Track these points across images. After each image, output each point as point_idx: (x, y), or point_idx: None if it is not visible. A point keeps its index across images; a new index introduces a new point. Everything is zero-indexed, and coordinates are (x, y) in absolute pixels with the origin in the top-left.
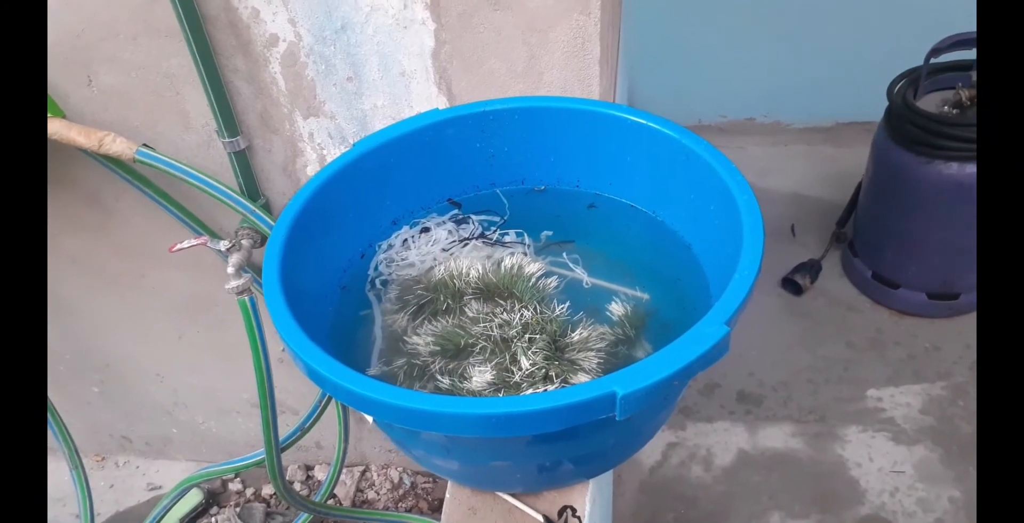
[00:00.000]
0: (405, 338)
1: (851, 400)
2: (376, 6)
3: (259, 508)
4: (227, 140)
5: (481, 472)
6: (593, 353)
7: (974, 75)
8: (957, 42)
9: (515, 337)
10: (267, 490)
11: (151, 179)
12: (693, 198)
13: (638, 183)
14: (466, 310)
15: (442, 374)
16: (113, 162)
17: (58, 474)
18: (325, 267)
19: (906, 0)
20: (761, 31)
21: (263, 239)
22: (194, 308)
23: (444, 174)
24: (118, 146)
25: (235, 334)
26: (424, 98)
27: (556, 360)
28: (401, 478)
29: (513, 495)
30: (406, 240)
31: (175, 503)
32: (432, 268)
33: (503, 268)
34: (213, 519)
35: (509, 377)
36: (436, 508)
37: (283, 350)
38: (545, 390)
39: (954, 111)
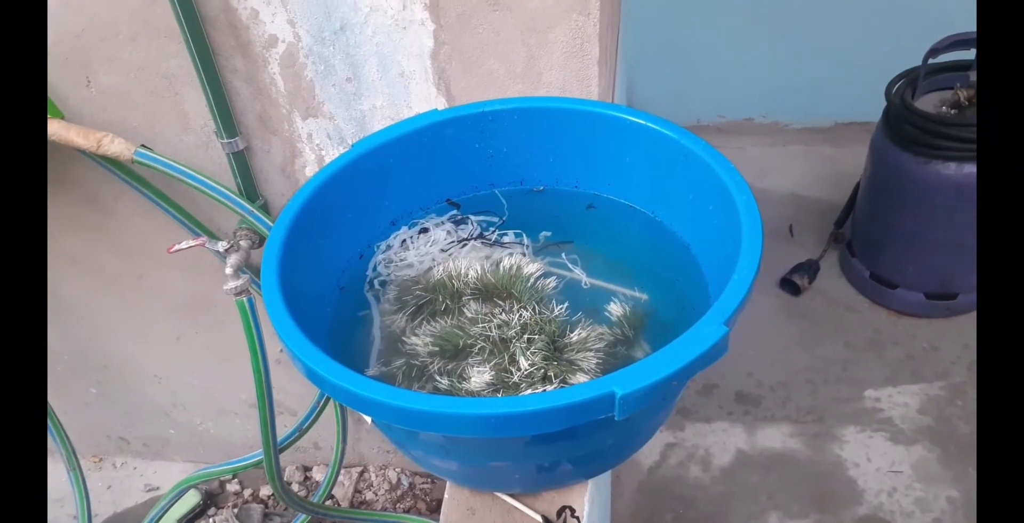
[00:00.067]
0: (404, 339)
1: (849, 400)
2: (375, 7)
3: (257, 509)
4: (226, 141)
5: (480, 472)
6: (592, 353)
7: (972, 75)
8: (955, 42)
9: (514, 337)
10: (265, 491)
11: (149, 180)
12: (692, 198)
13: (637, 183)
14: (465, 311)
15: (441, 374)
16: (112, 163)
17: (56, 475)
18: (324, 268)
19: (904, 0)
20: (759, 31)
21: (261, 240)
22: (192, 309)
23: (443, 175)
24: (116, 147)
25: (233, 335)
26: (423, 99)
27: (555, 360)
28: (399, 479)
29: (512, 495)
30: (405, 241)
31: (173, 504)
32: (431, 269)
33: (502, 268)
34: (211, 520)
35: (508, 377)
36: (434, 509)
37: (281, 351)
38: (544, 390)
39: (952, 111)
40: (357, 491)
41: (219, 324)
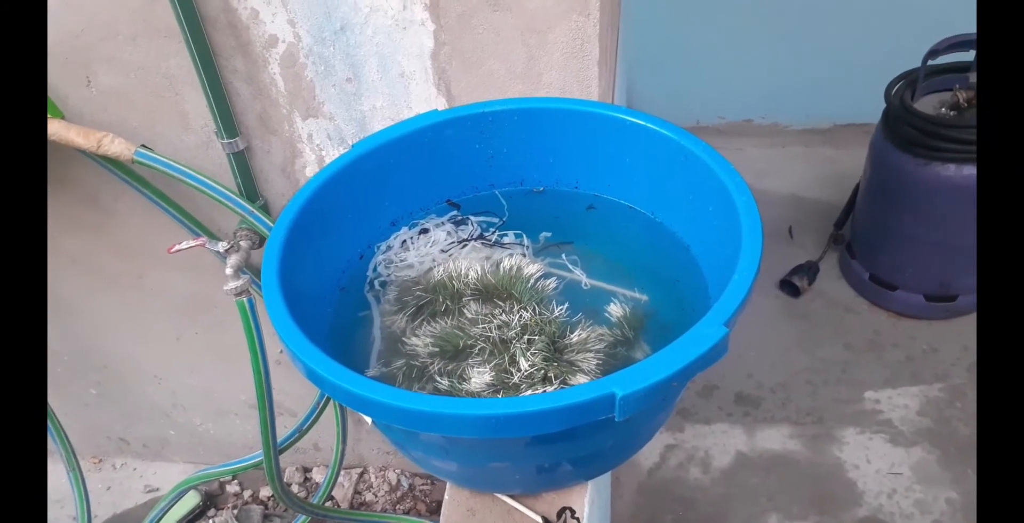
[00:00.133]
0: (404, 339)
1: (849, 402)
2: (375, 7)
3: (257, 510)
4: (226, 141)
5: (480, 473)
6: (592, 354)
7: (972, 77)
8: (954, 44)
9: (514, 338)
10: (265, 492)
11: (150, 180)
12: (692, 199)
13: (637, 184)
14: (465, 311)
15: (441, 375)
16: (112, 163)
17: (55, 476)
18: (324, 268)
19: (904, 2)
20: (759, 33)
21: (261, 240)
22: (192, 309)
23: (443, 175)
24: (117, 147)
25: (233, 335)
26: (423, 99)
27: (555, 361)
28: (399, 480)
29: (512, 496)
30: (405, 241)
31: (172, 505)
32: (431, 269)
33: (502, 269)
34: (211, 521)
35: (508, 378)
36: (434, 510)
37: (281, 352)
38: (544, 391)
39: (952, 113)
40: (357, 492)
41: (219, 324)
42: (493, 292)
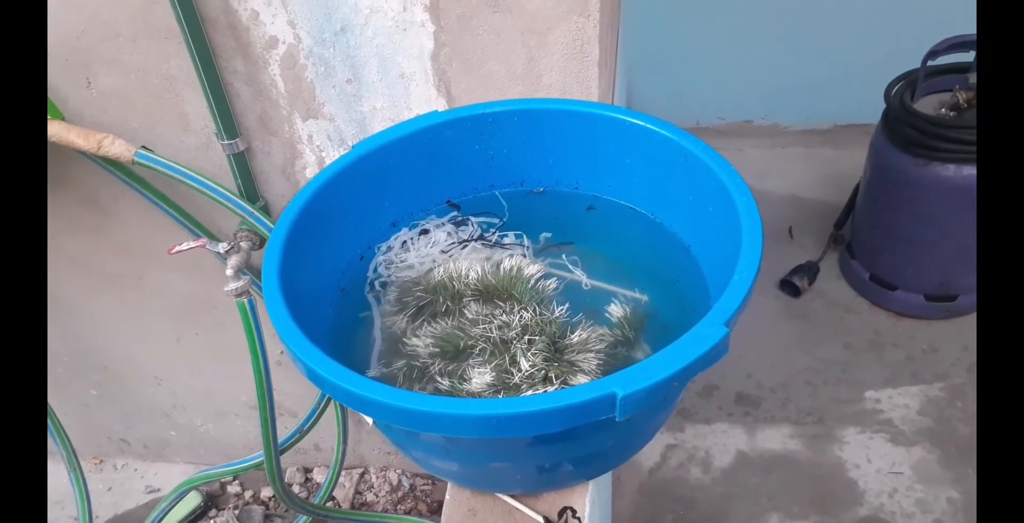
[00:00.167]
0: (404, 340)
1: (849, 402)
2: (376, 8)
3: (258, 511)
4: (226, 142)
5: (481, 473)
6: (592, 354)
7: (971, 77)
8: (954, 44)
9: (514, 338)
10: (266, 493)
11: (150, 181)
12: (692, 200)
13: (637, 185)
14: (465, 312)
15: (442, 376)
16: (112, 164)
17: (56, 477)
18: (324, 269)
19: (903, 2)
20: (759, 33)
21: (262, 241)
22: (193, 310)
23: (443, 176)
24: (117, 148)
25: (234, 336)
26: (423, 100)
27: (556, 361)
28: (400, 480)
29: (513, 496)
30: (405, 242)
31: (173, 506)
32: (431, 270)
33: (502, 270)
34: (212, 522)
35: (509, 378)
36: (435, 510)
37: (282, 352)
38: (545, 391)
39: (951, 113)
40: (358, 493)
41: (219, 325)
42: (493, 293)
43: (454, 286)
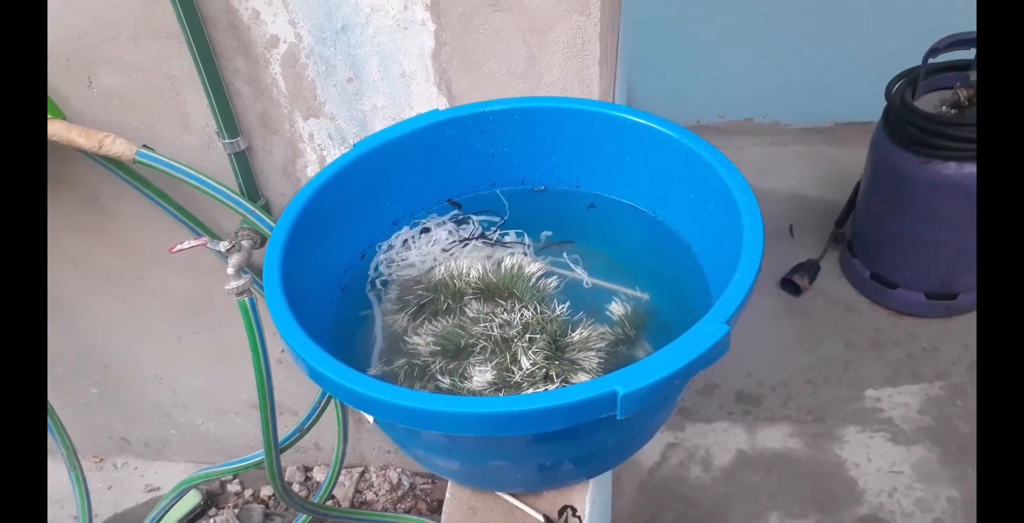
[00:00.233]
0: (405, 338)
1: (850, 400)
2: (376, 7)
3: (258, 509)
4: (227, 141)
5: (481, 472)
6: (593, 353)
7: (972, 75)
8: (955, 42)
9: (515, 337)
10: (266, 491)
11: (151, 180)
12: (693, 198)
13: (638, 183)
14: (466, 310)
15: (442, 374)
16: (113, 163)
17: (56, 475)
18: (325, 268)
19: (903, 2)
20: (759, 32)
21: (263, 240)
22: (194, 309)
23: (444, 175)
24: (118, 147)
25: (234, 335)
26: (424, 99)
27: (556, 360)
28: (400, 479)
29: (513, 495)
30: (406, 240)
31: (173, 504)
32: (432, 268)
33: (503, 268)
34: (212, 521)
35: (509, 377)
36: (435, 509)
37: (283, 351)
38: (546, 390)
39: (952, 111)
40: (358, 491)
41: (220, 324)
42: (494, 291)
43: (455, 284)
